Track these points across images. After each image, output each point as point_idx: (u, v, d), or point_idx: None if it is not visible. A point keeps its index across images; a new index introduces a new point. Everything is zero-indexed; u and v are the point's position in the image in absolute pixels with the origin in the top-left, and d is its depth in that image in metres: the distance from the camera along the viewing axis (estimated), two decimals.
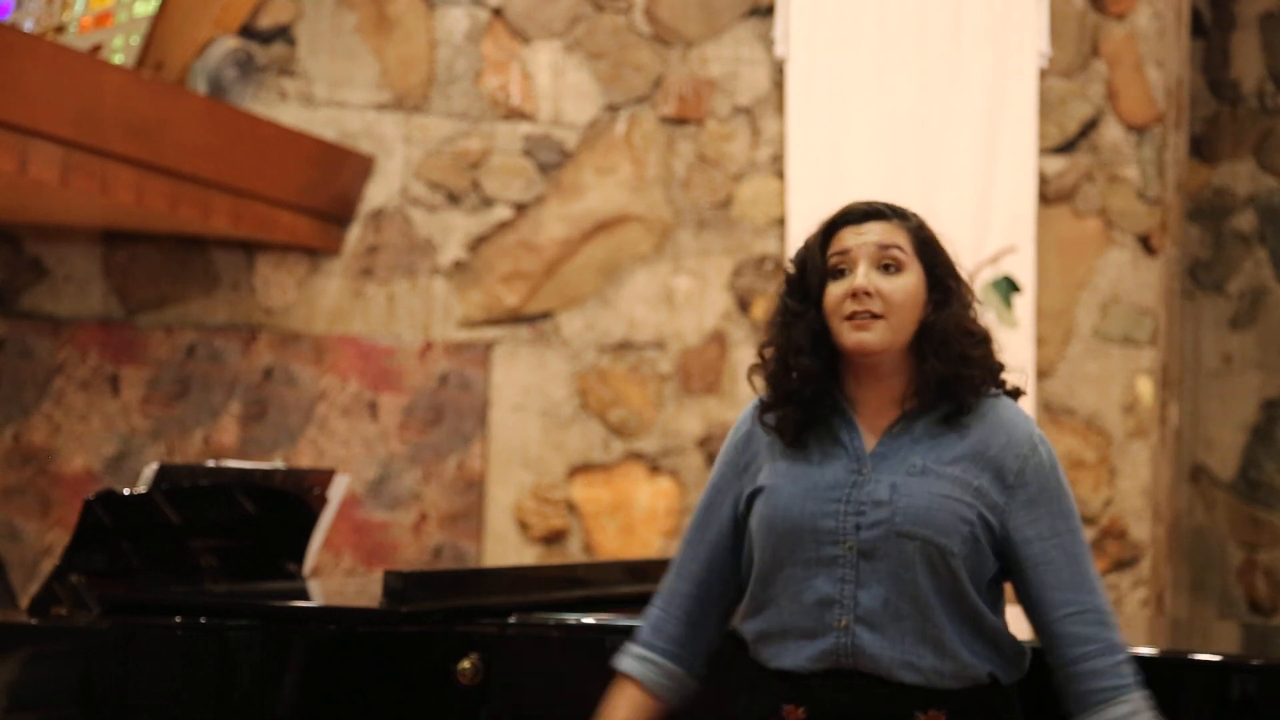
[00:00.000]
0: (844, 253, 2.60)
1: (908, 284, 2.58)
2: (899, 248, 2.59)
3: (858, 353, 2.57)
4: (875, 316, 2.55)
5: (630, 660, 2.71)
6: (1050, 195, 6.15)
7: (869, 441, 2.59)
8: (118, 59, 5.91)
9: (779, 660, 2.58)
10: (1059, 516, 2.57)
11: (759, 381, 2.66)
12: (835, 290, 2.59)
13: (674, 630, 2.71)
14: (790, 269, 2.66)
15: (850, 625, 2.52)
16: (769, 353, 2.64)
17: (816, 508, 2.55)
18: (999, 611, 2.60)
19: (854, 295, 2.56)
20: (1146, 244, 6.16)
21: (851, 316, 2.56)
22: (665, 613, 2.72)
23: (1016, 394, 2.66)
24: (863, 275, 2.57)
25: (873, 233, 2.60)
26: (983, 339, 2.62)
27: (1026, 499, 2.56)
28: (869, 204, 2.64)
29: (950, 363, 2.57)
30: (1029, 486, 2.57)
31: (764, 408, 2.65)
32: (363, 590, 4.10)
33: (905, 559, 2.51)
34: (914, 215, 2.65)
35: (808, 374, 2.59)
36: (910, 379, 2.60)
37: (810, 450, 2.60)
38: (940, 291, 2.60)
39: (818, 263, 2.61)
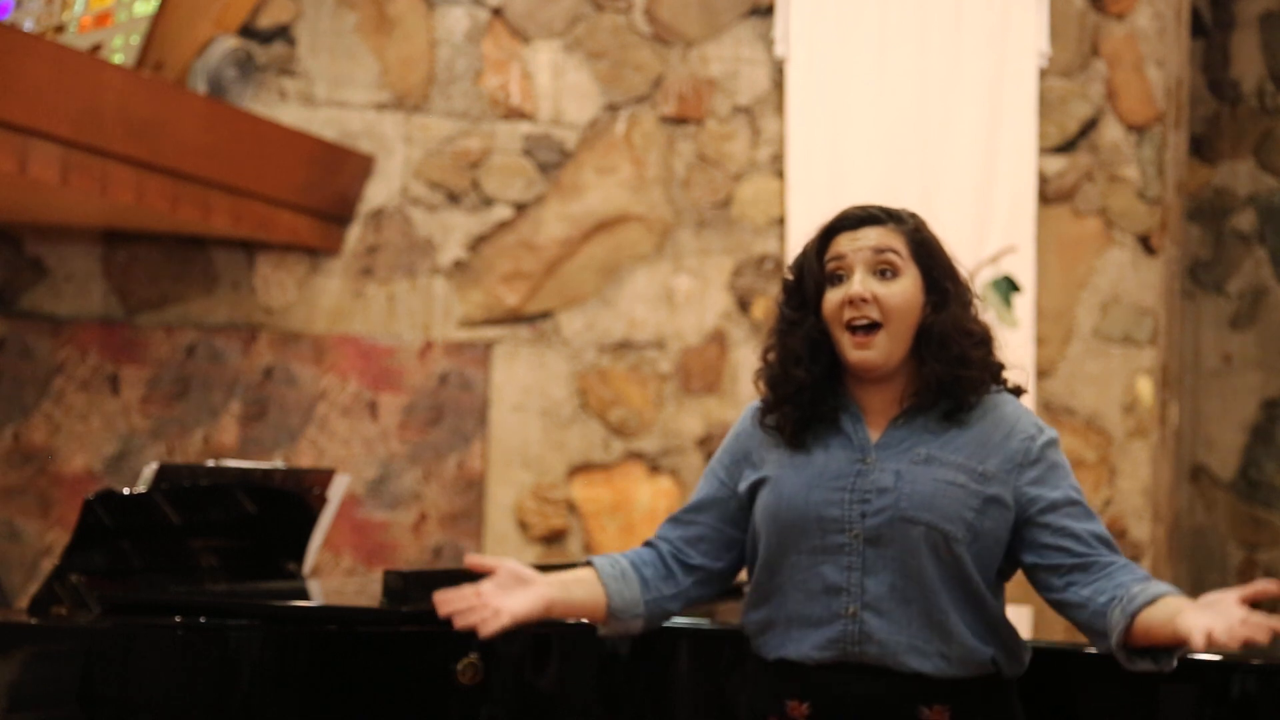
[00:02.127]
0: (840, 258, 2.62)
1: (904, 288, 2.60)
2: (895, 252, 2.61)
3: (860, 370, 2.61)
4: (873, 324, 2.58)
5: (602, 559, 2.67)
6: (1050, 195, 6.15)
7: (873, 433, 2.61)
8: (118, 59, 5.90)
9: (783, 649, 2.59)
10: (1072, 489, 2.59)
11: (763, 386, 2.68)
12: (833, 297, 2.62)
13: (652, 560, 2.68)
14: (788, 276, 2.68)
15: (858, 612, 2.54)
16: (771, 357, 2.66)
17: (821, 496, 2.57)
18: (1000, 605, 2.62)
19: (851, 302, 2.58)
20: (1146, 244, 6.16)
21: (850, 324, 2.58)
22: (653, 547, 2.70)
23: (1018, 392, 2.69)
24: (859, 282, 2.59)
25: (868, 238, 2.62)
26: (982, 339, 2.63)
27: (1037, 475, 2.59)
28: (864, 209, 2.66)
29: (949, 364, 2.59)
30: (1039, 464, 2.59)
31: (764, 410, 2.67)
32: (363, 590, 4.10)
33: (910, 545, 2.53)
34: (911, 217, 2.67)
35: (803, 385, 2.61)
36: (910, 380, 2.63)
37: (814, 441, 2.62)
38: (937, 293, 2.62)
39: (815, 269, 2.64)
